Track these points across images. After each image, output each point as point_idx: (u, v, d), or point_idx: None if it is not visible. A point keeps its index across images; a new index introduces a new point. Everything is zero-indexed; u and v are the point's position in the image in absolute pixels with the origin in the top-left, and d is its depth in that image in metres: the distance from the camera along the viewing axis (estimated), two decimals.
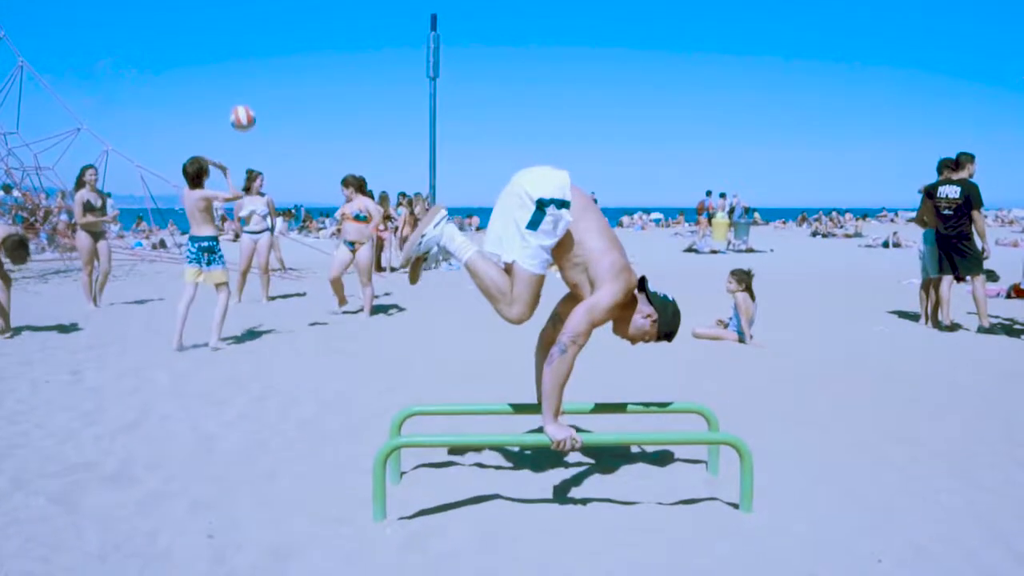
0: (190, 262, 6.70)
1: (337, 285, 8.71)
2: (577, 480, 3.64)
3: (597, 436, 3.36)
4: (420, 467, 3.81)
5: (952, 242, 7.83)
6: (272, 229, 10.14)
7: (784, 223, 37.56)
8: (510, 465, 3.86)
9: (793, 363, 6.26)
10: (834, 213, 34.91)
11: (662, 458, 3.95)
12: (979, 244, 7.82)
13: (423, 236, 3.35)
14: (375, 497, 3.13)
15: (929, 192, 8.14)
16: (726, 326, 7.41)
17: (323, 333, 7.66)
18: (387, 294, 10.73)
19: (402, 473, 3.70)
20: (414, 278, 3.58)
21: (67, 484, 3.51)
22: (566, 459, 3.89)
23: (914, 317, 8.67)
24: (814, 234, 29.88)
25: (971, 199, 7.69)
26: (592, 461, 3.90)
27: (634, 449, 4.07)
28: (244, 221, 9.78)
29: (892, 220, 37.98)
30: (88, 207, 9.04)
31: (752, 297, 7.21)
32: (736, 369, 6.07)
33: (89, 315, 8.61)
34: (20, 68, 15.40)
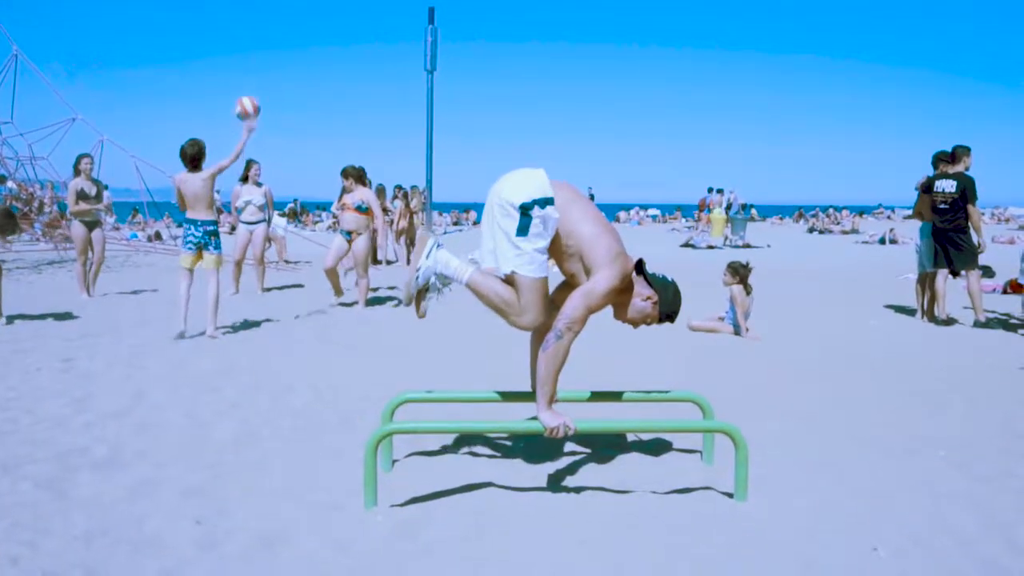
0: (189, 247, 6.65)
1: (332, 275, 8.65)
2: (571, 469, 3.61)
3: (591, 423, 3.32)
4: (412, 455, 3.78)
5: (948, 235, 7.82)
6: (269, 220, 10.07)
7: (781, 219, 37.56)
8: (503, 454, 3.83)
9: (789, 356, 6.24)
10: (831, 210, 34.89)
11: (657, 448, 3.93)
12: (975, 238, 7.81)
13: (418, 269, 3.30)
14: (366, 484, 3.10)
15: (926, 188, 8.13)
16: (722, 320, 7.39)
17: (319, 324, 7.62)
18: (391, 288, 10.61)
19: (394, 461, 3.67)
20: (421, 313, 3.47)
21: (55, 470, 3.48)
22: (560, 448, 3.86)
23: (910, 312, 8.65)
24: (811, 230, 29.88)
25: (967, 193, 7.66)
26: (586, 451, 3.87)
27: (628, 439, 4.04)
28: (240, 211, 9.72)
29: (889, 217, 38.00)
30: (82, 195, 8.97)
31: (748, 290, 7.19)
32: (731, 361, 6.04)
33: (83, 304, 8.56)
34: (15, 57, 15.31)
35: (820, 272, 13.93)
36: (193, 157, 6.62)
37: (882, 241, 22.75)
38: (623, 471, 3.59)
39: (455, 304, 4.74)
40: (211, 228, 6.68)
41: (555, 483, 3.43)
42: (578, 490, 3.34)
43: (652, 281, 3.30)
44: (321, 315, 8.16)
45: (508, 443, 3.99)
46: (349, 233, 8.56)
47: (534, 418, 3.21)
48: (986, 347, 6.73)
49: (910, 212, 11.36)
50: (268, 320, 7.70)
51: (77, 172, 9.08)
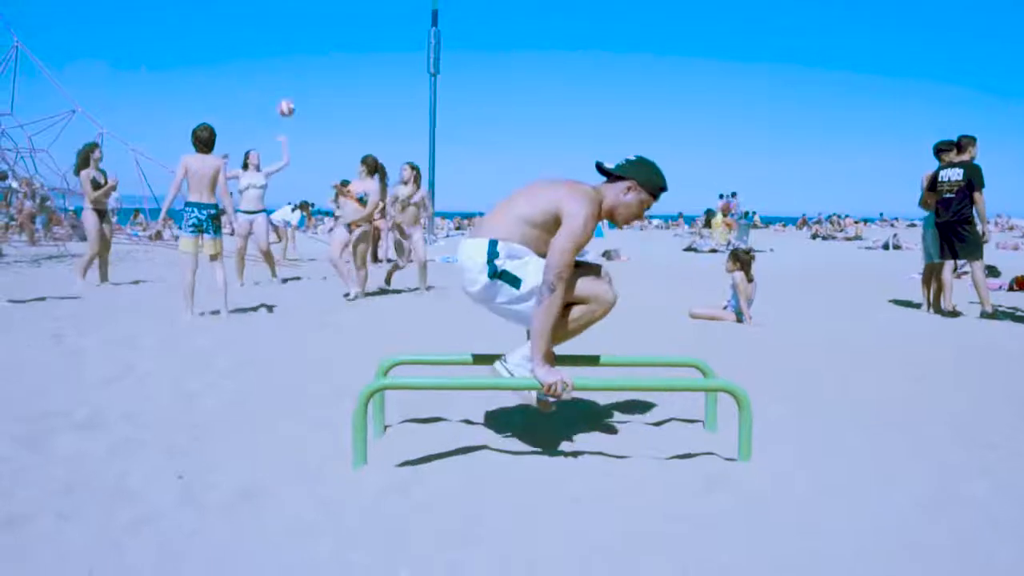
0: (191, 232, 6.61)
1: (340, 265, 8.58)
2: (568, 434, 3.50)
3: (589, 380, 3.20)
4: (405, 422, 3.67)
5: (952, 226, 7.70)
6: (268, 211, 10.02)
7: (784, 226, 37.46)
8: (497, 419, 3.72)
9: (793, 341, 6.12)
10: (835, 216, 34.80)
11: (657, 413, 3.82)
12: (979, 227, 7.70)
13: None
14: (355, 441, 2.98)
15: (931, 181, 7.98)
16: (725, 309, 7.29)
17: (316, 308, 7.55)
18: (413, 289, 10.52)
19: (386, 426, 3.56)
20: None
21: (36, 429, 3.38)
22: (557, 414, 3.71)
23: (916, 306, 8.54)
24: (814, 236, 29.76)
25: (973, 181, 7.56)
26: (585, 417, 3.76)
27: (629, 406, 3.93)
28: (241, 193, 9.69)
29: (892, 225, 37.90)
30: (95, 184, 9.09)
31: (750, 278, 7.09)
32: (734, 345, 5.93)
33: (81, 291, 8.48)
34: (15, 49, 15.31)
35: (823, 271, 13.81)
36: (206, 140, 6.74)
37: (886, 247, 22.63)
38: (622, 436, 3.48)
39: (455, 299, 4.71)
40: (212, 212, 6.71)
41: (552, 447, 3.32)
42: (576, 454, 3.23)
43: (620, 172, 3.15)
44: (321, 301, 8.07)
45: (502, 409, 3.88)
46: (349, 225, 8.49)
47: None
48: (994, 336, 6.60)
49: (911, 223, 11.30)
50: (265, 304, 7.61)
51: (86, 162, 9.13)
